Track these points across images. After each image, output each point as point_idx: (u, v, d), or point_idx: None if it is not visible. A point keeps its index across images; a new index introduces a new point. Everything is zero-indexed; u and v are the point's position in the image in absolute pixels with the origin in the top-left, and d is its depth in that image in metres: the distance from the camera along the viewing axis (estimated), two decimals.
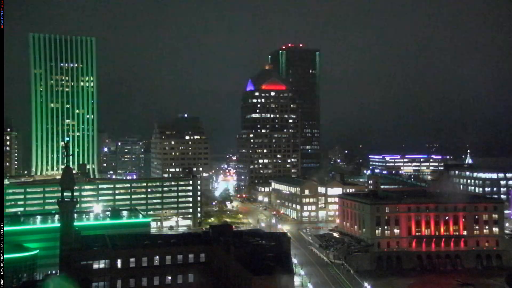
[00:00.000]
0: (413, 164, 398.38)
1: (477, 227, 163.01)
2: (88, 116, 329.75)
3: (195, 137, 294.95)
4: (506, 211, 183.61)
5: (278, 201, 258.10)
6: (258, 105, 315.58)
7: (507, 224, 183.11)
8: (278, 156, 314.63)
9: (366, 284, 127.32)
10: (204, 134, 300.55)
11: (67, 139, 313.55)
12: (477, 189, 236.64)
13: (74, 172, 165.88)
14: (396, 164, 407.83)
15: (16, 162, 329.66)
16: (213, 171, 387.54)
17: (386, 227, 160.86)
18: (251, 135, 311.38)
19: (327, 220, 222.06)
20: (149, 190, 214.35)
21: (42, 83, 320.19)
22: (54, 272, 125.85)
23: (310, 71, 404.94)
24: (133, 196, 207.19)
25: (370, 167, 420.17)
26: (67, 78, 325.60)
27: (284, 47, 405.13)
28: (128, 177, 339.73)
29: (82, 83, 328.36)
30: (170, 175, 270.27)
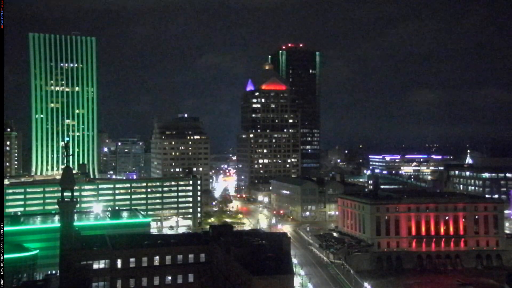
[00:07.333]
0: (413, 164, 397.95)
1: (477, 227, 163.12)
2: (88, 116, 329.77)
3: (195, 137, 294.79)
4: (506, 211, 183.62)
5: (278, 201, 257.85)
6: (258, 105, 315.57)
7: (507, 224, 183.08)
8: (278, 156, 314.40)
9: (366, 284, 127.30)
10: (204, 134, 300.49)
11: (67, 139, 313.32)
12: (477, 189, 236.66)
13: (74, 172, 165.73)
14: (396, 164, 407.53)
15: (16, 162, 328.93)
16: (213, 171, 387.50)
17: (386, 227, 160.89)
18: (251, 135, 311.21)
19: (327, 220, 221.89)
20: (149, 190, 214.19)
21: (42, 83, 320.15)
22: (54, 272, 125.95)
23: (310, 71, 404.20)
24: (133, 196, 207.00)
25: (370, 167, 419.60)
26: (67, 78, 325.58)
27: (284, 47, 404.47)
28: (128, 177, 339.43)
29: (82, 83, 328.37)
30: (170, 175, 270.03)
